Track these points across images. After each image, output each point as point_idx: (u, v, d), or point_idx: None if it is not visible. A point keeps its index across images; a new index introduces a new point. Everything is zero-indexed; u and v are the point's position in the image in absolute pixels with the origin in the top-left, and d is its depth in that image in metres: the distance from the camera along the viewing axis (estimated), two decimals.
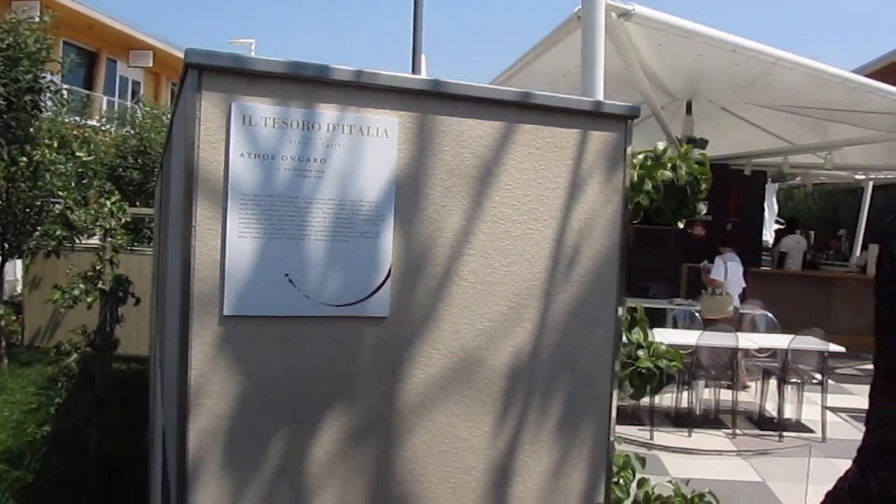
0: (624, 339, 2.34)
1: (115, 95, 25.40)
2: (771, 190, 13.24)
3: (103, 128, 15.51)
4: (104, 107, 23.20)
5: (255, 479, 1.50)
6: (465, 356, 1.64)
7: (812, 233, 17.68)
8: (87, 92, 22.25)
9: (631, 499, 2.26)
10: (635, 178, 2.01)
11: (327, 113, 1.50)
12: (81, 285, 5.30)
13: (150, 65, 25.17)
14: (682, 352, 2.39)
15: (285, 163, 1.47)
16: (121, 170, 12.28)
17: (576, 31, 5.16)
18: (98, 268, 5.54)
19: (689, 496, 2.26)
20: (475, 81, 1.61)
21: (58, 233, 6.80)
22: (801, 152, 9.78)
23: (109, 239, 5.70)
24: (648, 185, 2.01)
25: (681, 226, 2.18)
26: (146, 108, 17.64)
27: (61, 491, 5.28)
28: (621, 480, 2.42)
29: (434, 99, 1.59)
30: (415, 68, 10.81)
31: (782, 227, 14.78)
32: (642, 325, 2.36)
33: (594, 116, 1.73)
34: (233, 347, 1.47)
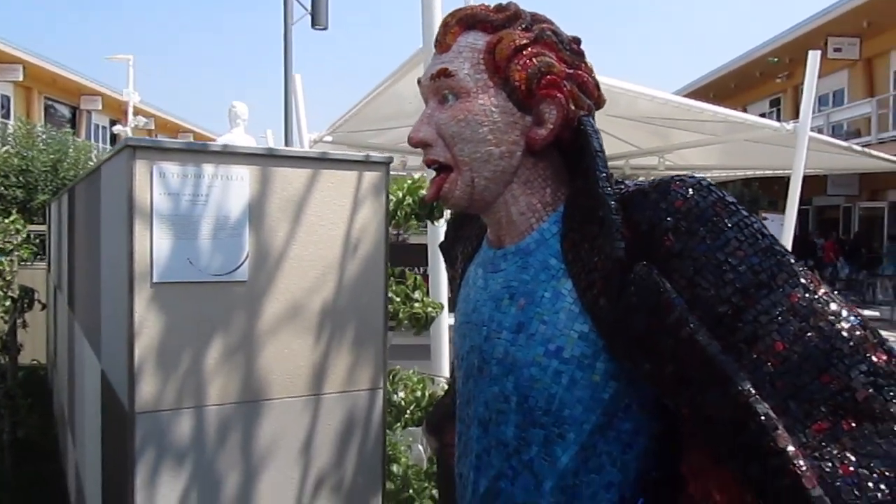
0: (415, 296, 3.71)
1: None
2: None
3: None
4: None
5: (174, 371, 2.70)
6: (294, 301, 2.91)
7: None
8: None
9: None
10: (401, 196, 3.34)
11: (208, 168, 2.72)
12: None
13: (21, 79, 24.72)
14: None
15: (185, 197, 2.69)
16: (2, 188, 12.70)
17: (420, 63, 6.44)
18: (8, 279, 6.42)
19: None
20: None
21: None
22: (644, 155, 11.34)
23: (16, 253, 6.60)
24: (409, 200, 3.35)
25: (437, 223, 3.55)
26: (20, 126, 17.71)
27: None
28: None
29: (270, 158, 2.85)
30: (287, 91, 11.91)
31: None
32: (421, 288, 3.72)
33: (366, 163, 3.04)
34: (159, 299, 2.67)
